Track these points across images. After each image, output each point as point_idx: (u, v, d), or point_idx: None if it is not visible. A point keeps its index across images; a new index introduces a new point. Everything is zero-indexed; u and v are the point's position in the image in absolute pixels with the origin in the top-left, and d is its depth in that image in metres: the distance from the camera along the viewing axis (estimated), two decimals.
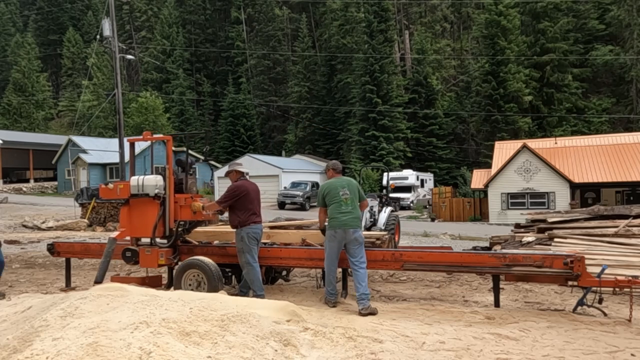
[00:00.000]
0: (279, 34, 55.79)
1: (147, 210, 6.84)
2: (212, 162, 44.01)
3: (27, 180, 42.29)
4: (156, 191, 6.77)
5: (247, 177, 6.87)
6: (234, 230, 6.51)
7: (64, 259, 8.24)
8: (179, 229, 6.94)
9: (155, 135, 7.82)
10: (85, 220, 19.48)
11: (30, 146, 42.53)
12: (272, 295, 6.62)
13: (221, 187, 37.43)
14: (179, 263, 6.93)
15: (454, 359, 4.21)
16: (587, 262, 5.81)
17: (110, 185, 7.10)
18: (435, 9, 55.41)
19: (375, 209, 13.18)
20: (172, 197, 6.86)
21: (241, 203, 6.40)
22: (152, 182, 6.81)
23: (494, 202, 28.62)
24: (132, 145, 7.59)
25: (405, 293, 7.38)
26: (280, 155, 47.23)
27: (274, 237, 7.37)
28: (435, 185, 39.18)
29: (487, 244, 10.64)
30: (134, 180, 6.93)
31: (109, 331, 3.60)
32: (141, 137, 7.28)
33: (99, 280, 6.67)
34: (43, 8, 71.14)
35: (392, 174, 29.38)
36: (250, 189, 6.52)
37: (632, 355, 4.35)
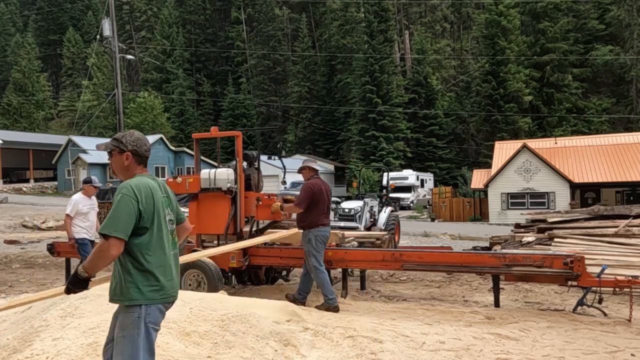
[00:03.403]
0: (279, 34, 55.80)
1: (218, 206, 6.50)
2: (212, 162, 44.07)
3: (27, 180, 42.26)
4: (228, 185, 6.41)
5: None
6: (302, 230, 6.12)
7: (64, 259, 8.24)
8: (254, 229, 6.60)
9: (223, 131, 7.60)
10: None
11: (30, 146, 42.50)
12: (272, 295, 6.62)
13: None
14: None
15: (454, 359, 4.21)
16: (587, 262, 5.81)
17: (179, 179, 6.70)
18: (435, 9, 55.41)
19: (375, 209, 13.20)
20: (243, 194, 6.54)
21: (314, 203, 6.00)
22: (224, 175, 6.47)
23: (494, 202, 28.61)
24: (196, 142, 7.20)
25: (405, 293, 7.38)
26: (280, 155, 47.22)
27: (274, 237, 7.37)
28: (435, 185, 39.18)
29: (487, 244, 10.64)
30: (205, 173, 6.60)
31: None
32: (209, 133, 6.94)
33: None
34: (43, 8, 71.14)
35: (392, 174, 29.37)
36: (324, 188, 6.13)
37: (632, 355, 4.34)
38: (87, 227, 7.21)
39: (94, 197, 7.51)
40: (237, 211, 6.46)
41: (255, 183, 6.79)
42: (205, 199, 6.60)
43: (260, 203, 6.56)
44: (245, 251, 6.49)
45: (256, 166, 6.96)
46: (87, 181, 7.49)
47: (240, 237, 6.55)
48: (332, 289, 5.89)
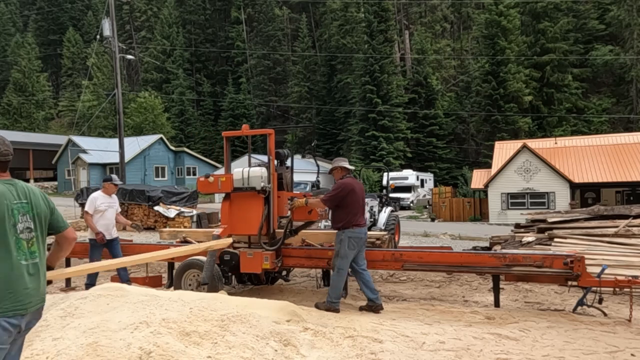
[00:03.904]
0: (279, 34, 55.83)
1: (252, 206, 6.35)
2: (212, 162, 44.06)
3: (27, 180, 42.15)
4: (262, 184, 6.25)
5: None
6: (336, 230, 5.96)
7: (63, 258, 8.23)
8: (287, 230, 6.41)
9: (255, 129, 7.40)
10: None
11: (30, 146, 42.51)
12: (272, 295, 6.61)
13: None
14: (180, 264, 6.89)
15: (454, 359, 4.21)
16: (587, 262, 5.81)
17: (211, 179, 6.51)
18: (435, 9, 55.43)
19: (375, 209, 13.20)
20: (276, 193, 6.40)
21: (346, 202, 5.86)
22: (258, 174, 6.30)
23: (494, 202, 28.62)
24: (227, 140, 6.95)
25: (405, 293, 7.38)
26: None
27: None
28: (435, 185, 39.19)
29: (487, 244, 10.64)
30: (238, 172, 6.42)
31: (109, 331, 3.60)
32: (240, 131, 6.80)
33: (205, 282, 6.17)
34: (43, 8, 71.15)
35: (392, 174, 29.36)
36: (357, 188, 5.99)
37: (632, 355, 4.34)
38: (102, 226, 7.08)
39: (114, 196, 7.38)
40: (271, 211, 6.34)
41: (287, 182, 6.65)
42: (238, 198, 6.43)
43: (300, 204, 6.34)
44: (278, 252, 6.38)
45: (288, 165, 6.80)
46: (108, 179, 7.39)
47: (273, 237, 6.43)
48: (339, 295, 5.84)
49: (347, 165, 6.12)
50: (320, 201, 6.08)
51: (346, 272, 5.88)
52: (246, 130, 6.77)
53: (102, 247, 7.14)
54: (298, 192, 7.01)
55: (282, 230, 6.55)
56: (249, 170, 6.37)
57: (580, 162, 28.09)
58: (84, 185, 29.42)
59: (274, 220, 6.41)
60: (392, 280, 8.41)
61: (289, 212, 6.32)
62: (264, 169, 6.37)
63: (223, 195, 6.63)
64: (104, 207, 7.14)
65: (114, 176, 7.54)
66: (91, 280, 7.11)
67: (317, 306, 5.82)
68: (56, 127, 60.93)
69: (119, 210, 7.59)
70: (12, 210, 2.50)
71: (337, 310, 5.71)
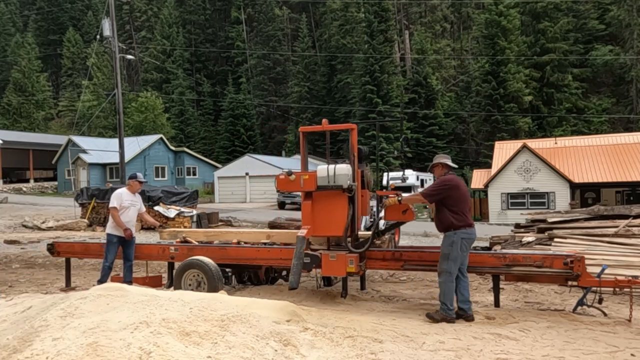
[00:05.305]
0: (279, 34, 55.85)
1: (337, 205, 5.98)
2: (212, 162, 44.06)
3: (27, 180, 42.29)
4: (348, 182, 5.89)
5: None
6: (443, 232, 5.55)
7: (63, 258, 8.24)
8: (376, 230, 6.12)
9: (335, 125, 6.93)
10: (85, 220, 19.48)
11: (30, 146, 42.53)
12: (272, 295, 6.62)
13: (221, 187, 37.40)
14: (180, 264, 6.89)
15: (454, 359, 4.21)
16: (587, 262, 5.81)
17: (293, 177, 6.15)
18: (435, 9, 55.45)
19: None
20: (360, 192, 6.13)
21: (454, 200, 5.43)
22: (345, 171, 5.92)
23: (494, 202, 28.61)
24: (303, 135, 6.59)
25: (405, 293, 7.38)
26: (280, 155, 47.26)
27: (274, 237, 7.37)
28: None
29: (487, 244, 10.63)
30: (323, 170, 6.02)
31: (109, 331, 3.59)
32: (320, 126, 6.50)
33: (294, 286, 5.88)
34: (43, 8, 71.15)
35: (392, 174, 29.30)
36: (462, 185, 5.60)
37: (632, 355, 4.34)
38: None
39: (138, 195, 7.36)
40: (355, 211, 6.01)
41: (368, 180, 6.44)
42: (321, 197, 6.06)
43: (392, 203, 6.07)
44: (362, 255, 6.09)
45: (366, 164, 6.58)
46: (133, 177, 7.34)
47: (357, 239, 6.16)
48: (453, 300, 5.39)
49: (449, 162, 5.70)
50: (417, 196, 5.73)
51: (454, 276, 5.46)
52: (326, 125, 6.43)
53: (119, 245, 7.11)
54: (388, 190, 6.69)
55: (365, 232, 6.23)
56: (334, 167, 5.97)
57: (580, 162, 28.09)
58: (84, 185, 29.42)
59: (358, 220, 6.13)
60: (392, 280, 8.42)
61: (373, 212, 6.01)
62: (349, 166, 6.00)
63: (303, 194, 6.25)
64: (128, 204, 7.12)
65: (139, 174, 7.49)
66: (103, 280, 7.11)
67: (430, 317, 5.40)
68: (56, 127, 60.93)
69: (144, 209, 7.55)
70: None
71: (453, 320, 5.29)
